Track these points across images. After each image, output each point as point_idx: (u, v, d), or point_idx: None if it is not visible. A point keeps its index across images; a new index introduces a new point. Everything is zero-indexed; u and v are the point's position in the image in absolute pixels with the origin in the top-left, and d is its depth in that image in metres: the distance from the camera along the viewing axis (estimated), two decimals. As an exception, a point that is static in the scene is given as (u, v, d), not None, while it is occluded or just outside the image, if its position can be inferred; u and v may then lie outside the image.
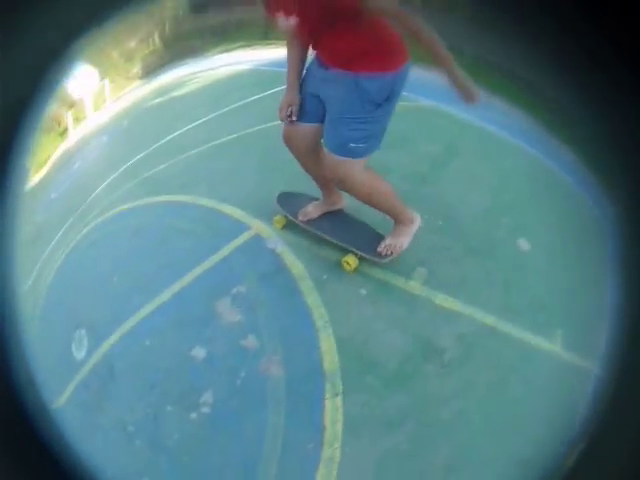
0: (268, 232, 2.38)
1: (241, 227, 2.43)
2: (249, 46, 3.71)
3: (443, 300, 2.03)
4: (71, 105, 3.50)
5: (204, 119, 3.37)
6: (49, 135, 3.39)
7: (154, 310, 2.21)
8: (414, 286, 2.08)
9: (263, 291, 2.15)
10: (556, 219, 2.24)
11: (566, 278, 2.09)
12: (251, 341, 1.98)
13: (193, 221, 2.61)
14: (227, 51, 3.70)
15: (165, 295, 2.24)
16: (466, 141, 2.89)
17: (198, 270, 2.29)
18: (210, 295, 2.18)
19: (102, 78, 3.57)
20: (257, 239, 2.36)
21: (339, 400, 1.78)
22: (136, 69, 3.85)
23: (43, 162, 3.18)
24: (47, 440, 1.05)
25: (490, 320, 1.98)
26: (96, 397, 2.02)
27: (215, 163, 3.04)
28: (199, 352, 1.98)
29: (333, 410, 1.76)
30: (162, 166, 3.10)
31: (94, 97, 3.53)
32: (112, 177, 3.11)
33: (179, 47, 3.80)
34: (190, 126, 3.36)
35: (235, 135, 3.13)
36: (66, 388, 2.03)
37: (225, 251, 2.36)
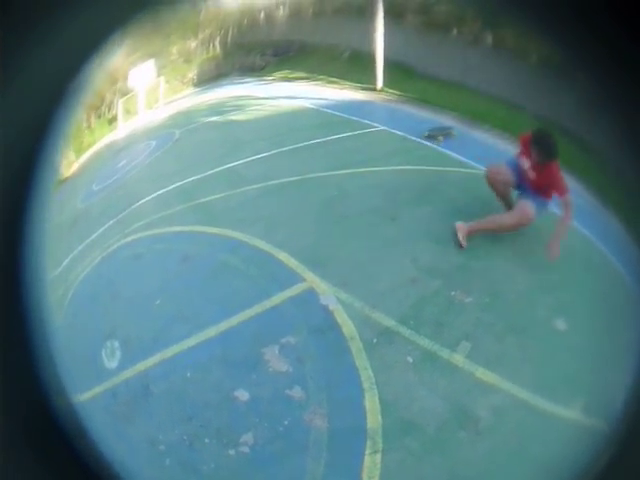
0: (322, 287, 2.49)
1: (295, 278, 2.55)
2: (310, 79, 3.64)
3: (482, 373, 2.20)
4: (124, 93, 3.55)
5: (265, 154, 3.41)
6: (98, 119, 3.46)
7: (199, 343, 2.35)
8: (457, 358, 2.24)
9: (312, 345, 2.29)
10: (594, 300, 2.41)
11: (595, 356, 2.30)
12: (297, 392, 2.12)
13: (246, 261, 2.71)
14: (288, 79, 3.68)
15: (211, 331, 2.38)
16: None
17: (248, 312, 2.42)
18: (258, 340, 2.31)
19: (159, 74, 3.62)
20: (310, 293, 2.48)
21: (378, 457, 1.94)
22: (192, 74, 3.87)
23: (88, 146, 3.25)
24: (70, 434, 1.15)
25: (524, 395, 2.14)
26: (125, 408, 2.16)
27: (273, 204, 3.11)
28: (243, 394, 2.13)
29: (372, 466, 1.92)
30: (218, 195, 3.19)
31: (148, 93, 3.60)
32: (162, 192, 3.21)
33: (239, 60, 3.84)
34: (250, 159, 3.40)
35: (296, 178, 3.19)
36: (92, 389, 2.16)
37: (277, 299, 2.48)
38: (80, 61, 1.12)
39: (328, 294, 2.46)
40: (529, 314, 2.48)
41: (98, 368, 2.25)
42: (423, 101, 2.87)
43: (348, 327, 2.34)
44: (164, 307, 2.51)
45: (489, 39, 2.74)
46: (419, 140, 2.96)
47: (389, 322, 2.36)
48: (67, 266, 2.69)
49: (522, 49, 2.67)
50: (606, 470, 1.12)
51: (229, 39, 3.68)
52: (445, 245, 2.61)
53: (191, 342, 2.33)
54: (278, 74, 3.61)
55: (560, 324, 2.42)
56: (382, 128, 2.95)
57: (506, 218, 2.69)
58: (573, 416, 2.13)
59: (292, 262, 2.63)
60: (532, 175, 2.66)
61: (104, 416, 2.08)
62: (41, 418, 1.13)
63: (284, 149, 3.37)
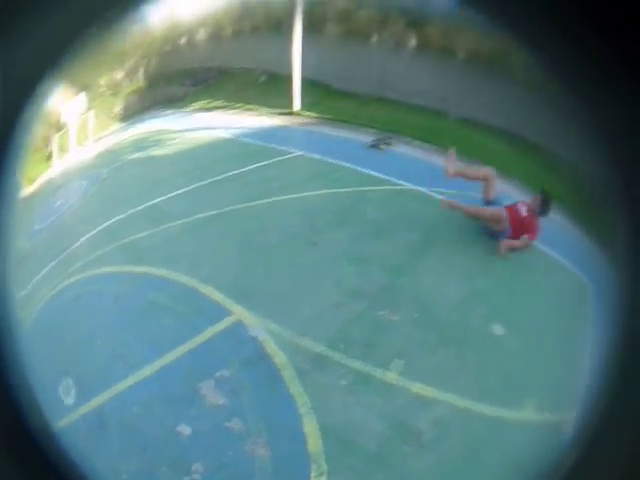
0: (250, 319, 2.49)
1: (223, 311, 2.54)
2: (227, 107, 3.54)
3: (420, 388, 2.22)
4: (58, 128, 3.51)
5: (185, 189, 3.39)
6: (36, 154, 3.42)
7: (138, 382, 2.33)
8: (391, 376, 2.26)
9: (246, 377, 2.28)
10: (530, 300, 2.53)
11: (539, 356, 2.35)
12: (236, 423, 2.12)
13: (174, 298, 2.69)
14: (207, 109, 3.60)
15: (147, 370, 2.36)
16: (444, 227, 2.98)
17: (181, 349, 2.41)
18: (193, 376, 2.30)
19: (89, 107, 3.58)
20: (239, 325, 2.47)
21: (324, 478, 1.96)
22: (119, 107, 3.83)
23: (29, 182, 3.22)
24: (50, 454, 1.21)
25: (465, 403, 2.18)
26: (86, 440, 2.13)
27: (196, 239, 3.09)
28: (185, 429, 2.12)
29: (319, 488, 2.03)
30: (143, 234, 3.15)
31: (78, 129, 3.56)
32: (93, 233, 3.12)
33: (160, 91, 3.80)
34: (171, 194, 3.37)
35: (216, 211, 3.17)
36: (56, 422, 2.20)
37: (207, 334, 2.47)
38: (18, 96, 1.14)
39: (256, 326, 2.46)
40: (462, 324, 2.51)
41: (58, 404, 2.20)
42: (340, 120, 2.86)
43: (279, 357, 2.35)
44: (103, 347, 2.47)
45: (412, 42, 2.74)
46: (335, 162, 2.96)
47: (319, 348, 2.36)
48: (19, 305, 2.68)
49: (448, 48, 2.70)
50: (571, 468, 1.16)
51: (151, 69, 3.64)
52: (368, 266, 2.62)
53: (130, 381, 2.31)
54: (197, 104, 3.57)
55: (497, 329, 2.46)
56: (299, 153, 2.96)
57: (484, 209, 2.83)
58: (526, 417, 2.18)
59: (218, 296, 2.62)
60: (521, 220, 2.78)
61: (70, 447, 2.09)
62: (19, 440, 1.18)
63: (203, 183, 3.33)
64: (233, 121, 3.16)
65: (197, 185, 3.42)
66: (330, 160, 3.00)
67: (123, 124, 3.87)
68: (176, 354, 2.41)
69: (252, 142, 2.96)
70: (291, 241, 2.72)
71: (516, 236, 2.81)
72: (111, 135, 3.85)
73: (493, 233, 2.85)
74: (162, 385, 2.33)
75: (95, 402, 2.26)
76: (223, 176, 3.31)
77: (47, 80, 1.16)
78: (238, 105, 3.08)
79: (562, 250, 2.63)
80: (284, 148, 2.90)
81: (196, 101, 3.72)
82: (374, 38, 2.79)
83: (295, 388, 2.25)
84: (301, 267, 2.67)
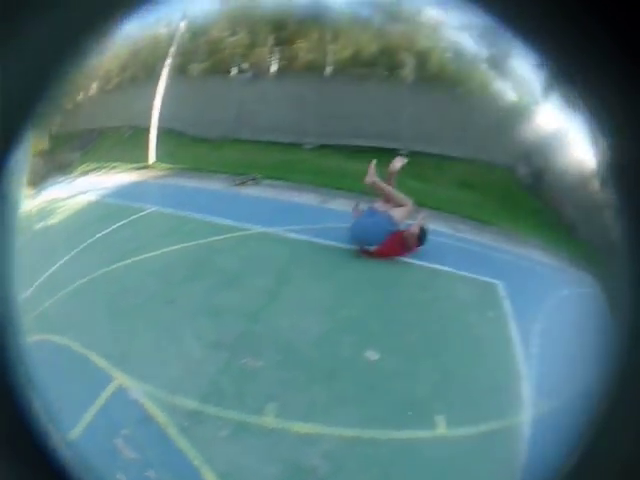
0: (129, 383, 2.47)
1: (107, 377, 2.50)
2: (99, 168, 3.50)
3: (300, 427, 2.23)
4: None
5: (67, 256, 3.10)
6: None
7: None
8: (269, 421, 2.26)
9: (143, 435, 2.31)
10: (407, 317, 2.58)
11: (430, 371, 2.37)
12: (152, 474, 2.12)
13: (69, 365, 2.64)
14: (86, 173, 3.57)
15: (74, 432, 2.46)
16: (298, 263, 2.97)
17: (86, 419, 2.35)
18: (108, 433, 2.30)
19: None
20: (122, 389, 2.45)
21: None
22: (32, 173, 3.86)
23: None
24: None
25: (352, 432, 2.20)
26: None
27: (78, 305, 2.97)
28: (122, 477, 2.11)
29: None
30: (46, 304, 3.11)
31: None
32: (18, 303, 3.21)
33: (57, 157, 3.82)
34: (60, 262, 3.30)
35: (85, 279, 3.02)
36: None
37: (102, 399, 2.44)
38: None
39: (135, 388, 2.44)
40: (331, 357, 2.52)
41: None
42: (191, 169, 2.84)
43: (160, 416, 2.35)
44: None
45: (274, 67, 2.70)
46: (187, 214, 2.97)
47: (192, 404, 2.37)
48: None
49: (315, 64, 2.66)
50: (571, 468, 1.23)
51: (53, 131, 3.66)
52: (223, 316, 2.61)
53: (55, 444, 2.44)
54: (80, 168, 3.59)
55: (371, 355, 2.46)
56: (153, 209, 2.92)
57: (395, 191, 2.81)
58: (431, 433, 2.21)
59: (102, 362, 2.58)
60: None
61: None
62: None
63: (78, 249, 3.35)
64: (101, 182, 3.18)
65: (75, 251, 3.46)
66: (181, 213, 3.01)
67: (33, 191, 3.97)
68: (83, 425, 2.35)
69: (113, 202, 2.95)
70: (150, 301, 2.71)
71: (388, 251, 2.83)
72: (25, 202, 3.96)
73: (367, 253, 2.86)
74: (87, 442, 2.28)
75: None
76: (89, 241, 3.28)
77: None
78: (106, 165, 3.08)
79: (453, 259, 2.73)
80: (139, 205, 2.86)
81: (80, 165, 3.73)
82: (234, 70, 2.77)
83: (182, 443, 2.26)
84: (162, 326, 2.64)
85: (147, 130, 2.77)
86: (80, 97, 3.25)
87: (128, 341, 2.66)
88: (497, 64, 2.17)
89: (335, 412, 2.29)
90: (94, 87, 3.16)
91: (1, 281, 1.48)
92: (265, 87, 2.81)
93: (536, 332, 2.43)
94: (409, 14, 2.33)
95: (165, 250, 2.86)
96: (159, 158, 2.70)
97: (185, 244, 2.90)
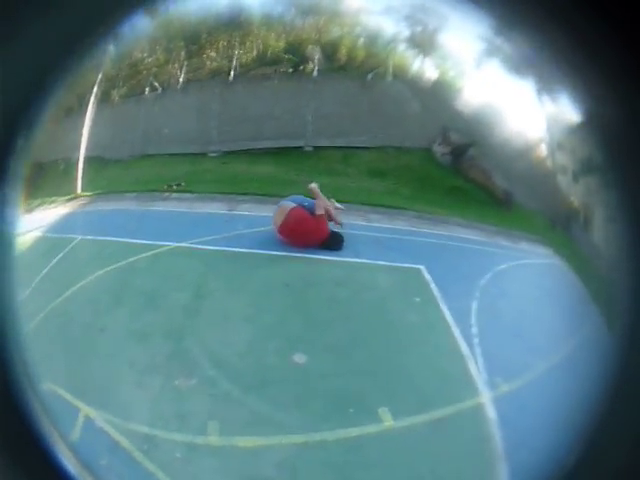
0: (92, 413, 2.41)
1: (74, 409, 2.44)
2: (42, 204, 3.49)
3: (245, 442, 2.20)
4: None
5: (24, 294, 3.31)
6: None
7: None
8: (212, 440, 2.23)
9: (116, 463, 2.27)
10: (325, 319, 2.57)
11: (362, 365, 2.38)
12: None
13: (44, 404, 2.69)
14: (31, 210, 3.57)
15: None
16: (213, 275, 2.92)
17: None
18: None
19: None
20: (88, 420, 2.39)
21: None
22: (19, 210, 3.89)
23: None
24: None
25: (300, 437, 2.18)
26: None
27: (37, 343, 2.94)
28: None
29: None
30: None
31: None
32: None
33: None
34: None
35: (41, 314, 2.91)
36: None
37: (75, 433, 2.33)
38: None
39: (97, 418, 2.39)
40: (259, 365, 2.47)
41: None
42: (108, 192, 2.80)
43: (123, 442, 2.32)
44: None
45: (181, 80, 2.68)
46: (107, 238, 2.94)
47: (143, 429, 2.34)
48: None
49: (222, 69, 2.66)
50: (572, 468, 1.22)
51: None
52: (151, 338, 2.57)
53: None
54: (25, 205, 3.60)
55: (298, 358, 2.44)
56: (80, 238, 2.88)
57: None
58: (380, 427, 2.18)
59: (66, 395, 2.44)
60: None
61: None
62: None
63: (28, 290, 3.30)
64: (43, 217, 3.19)
65: (28, 291, 3.40)
66: (102, 238, 2.97)
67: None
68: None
69: (52, 236, 2.95)
70: (88, 331, 2.63)
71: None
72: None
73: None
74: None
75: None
76: (37, 278, 3.28)
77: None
78: (46, 200, 3.08)
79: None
80: (70, 236, 2.83)
81: (26, 201, 3.75)
82: (147, 89, 2.76)
83: (149, 465, 2.24)
84: (101, 355, 2.59)
85: (77, 161, 2.83)
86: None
87: (80, 373, 2.56)
88: (420, 42, 2.16)
89: (277, 420, 2.26)
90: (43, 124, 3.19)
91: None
92: (171, 101, 2.84)
93: (474, 311, 2.43)
94: (327, 4, 2.31)
95: (92, 277, 2.80)
96: (84, 187, 2.72)
97: (107, 268, 2.85)
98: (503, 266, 2.41)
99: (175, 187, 2.99)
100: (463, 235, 2.56)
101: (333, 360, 2.42)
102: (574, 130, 1.49)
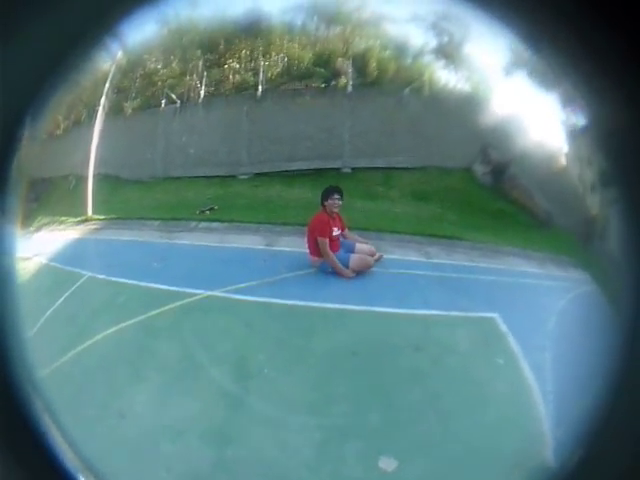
0: None
1: None
2: (48, 224, 3.31)
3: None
4: None
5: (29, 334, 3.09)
6: None
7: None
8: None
9: None
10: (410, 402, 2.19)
11: None
12: None
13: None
14: (38, 228, 3.43)
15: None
16: (259, 341, 2.49)
17: None
18: None
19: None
20: None
21: None
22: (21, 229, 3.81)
23: None
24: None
25: None
26: None
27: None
28: None
29: None
30: None
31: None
32: None
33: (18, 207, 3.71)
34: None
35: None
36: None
37: None
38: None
39: None
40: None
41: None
42: (125, 218, 2.63)
43: None
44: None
45: (202, 93, 2.56)
46: (118, 280, 2.60)
47: None
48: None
49: (246, 83, 2.53)
50: (572, 469, 1.29)
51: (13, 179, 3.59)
52: (186, 437, 2.12)
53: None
54: (36, 222, 3.49)
55: (386, 464, 1.97)
56: (87, 275, 2.58)
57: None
58: None
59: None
60: None
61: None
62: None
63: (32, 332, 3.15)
64: (51, 240, 3.00)
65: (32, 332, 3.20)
66: (116, 279, 2.61)
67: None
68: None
69: (59, 266, 2.63)
70: (102, 413, 2.21)
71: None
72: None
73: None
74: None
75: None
76: (42, 320, 2.89)
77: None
78: (55, 219, 2.96)
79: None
80: (78, 270, 2.55)
81: (33, 220, 3.62)
82: (163, 102, 2.66)
83: None
84: (124, 447, 2.10)
85: (87, 178, 2.68)
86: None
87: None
88: (448, 54, 2.04)
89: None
90: (44, 132, 3.07)
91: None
92: (193, 116, 2.64)
93: (548, 361, 2.14)
94: (347, 13, 2.21)
95: (101, 336, 2.41)
96: (95, 209, 2.55)
97: (120, 324, 2.44)
98: (562, 302, 2.14)
99: (208, 212, 2.74)
100: (519, 268, 2.36)
101: (428, 463, 1.99)
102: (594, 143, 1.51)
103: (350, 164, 2.55)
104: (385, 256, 2.62)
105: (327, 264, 2.66)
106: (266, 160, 2.63)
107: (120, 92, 2.45)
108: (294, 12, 2.19)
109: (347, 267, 2.62)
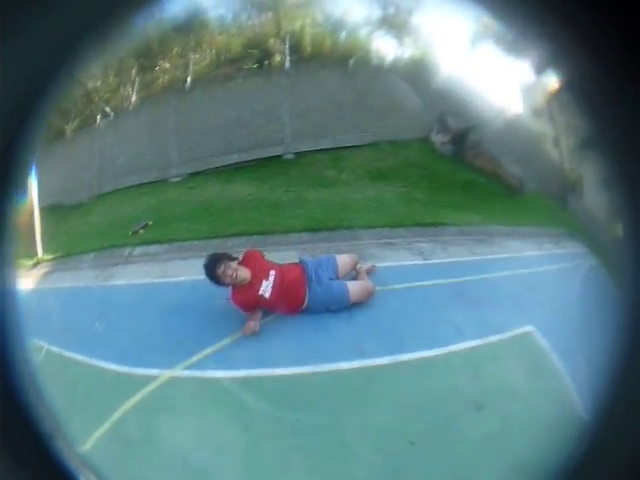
0: None
1: None
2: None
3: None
4: None
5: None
6: None
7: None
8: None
9: None
10: None
11: None
12: None
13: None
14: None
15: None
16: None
17: None
18: None
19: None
20: None
21: None
22: None
23: None
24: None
25: None
26: None
27: None
28: None
29: None
30: None
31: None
32: None
33: None
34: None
35: None
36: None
37: None
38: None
39: None
40: None
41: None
42: (68, 254, 2.28)
43: None
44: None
45: (134, 99, 2.37)
46: (69, 355, 2.03)
47: None
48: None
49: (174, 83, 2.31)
50: (572, 469, 1.26)
51: None
52: None
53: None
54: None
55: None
56: (45, 349, 1.93)
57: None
58: None
59: None
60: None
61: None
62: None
63: None
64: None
65: None
66: (67, 354, 2.02)
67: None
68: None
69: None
70: None
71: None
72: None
73: None
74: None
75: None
76: None
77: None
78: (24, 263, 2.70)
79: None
80: (34, 341, 2.07)
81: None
82: (98, 116, 2.46)
83: None
84: None
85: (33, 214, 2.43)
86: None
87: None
88: (395, 23, 1.93)
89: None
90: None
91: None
92: (123, 125, 2.38)
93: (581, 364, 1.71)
94: None
95: None
96: (46, 247, 2.29)
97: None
98: (577, 287, 1.78)
99: (142, 231, 2.39)
100: (518, 253, 2.12)
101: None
102: (565, 103, 1.50)
103: (293, 149, 2.33)
104: (377, 265, 2.34)
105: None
106: (199, 157, 2.39)
107: (61, 117, 2.28)
108: (228, 4, 2.05)
109: (347, 301, 2.24)
